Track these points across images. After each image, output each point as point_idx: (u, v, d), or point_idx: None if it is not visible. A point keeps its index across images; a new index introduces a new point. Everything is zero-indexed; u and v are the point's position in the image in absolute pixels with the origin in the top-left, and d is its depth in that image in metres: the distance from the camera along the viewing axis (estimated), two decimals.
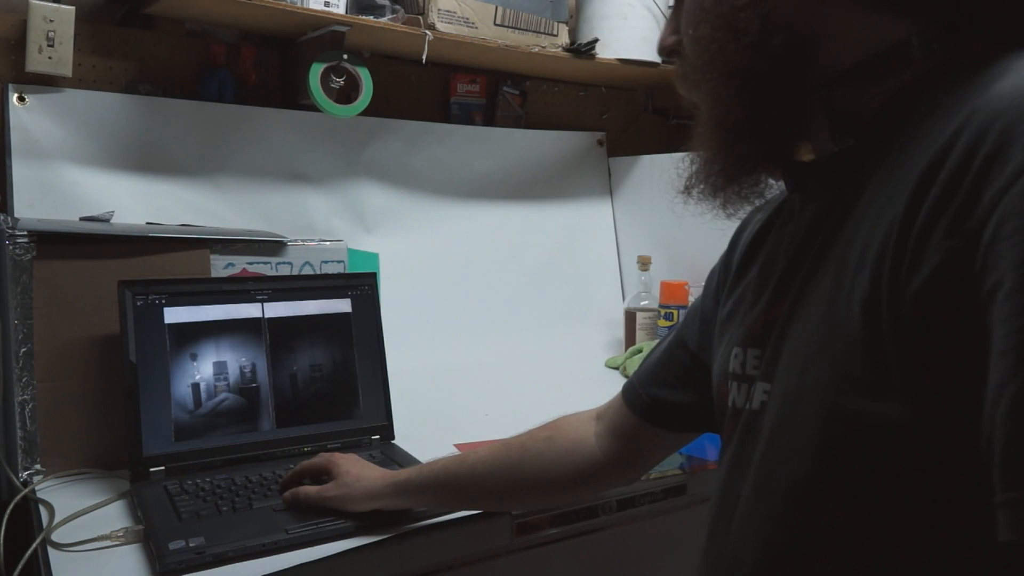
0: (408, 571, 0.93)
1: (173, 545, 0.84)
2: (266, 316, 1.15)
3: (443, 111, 1.83)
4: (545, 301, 1.86)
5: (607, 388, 1.61)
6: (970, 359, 0.45)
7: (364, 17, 1.45)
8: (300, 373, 1.16)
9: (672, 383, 0.83)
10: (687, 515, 1.16)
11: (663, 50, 0.71)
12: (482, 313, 1.78)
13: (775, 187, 0.69)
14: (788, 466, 0.56)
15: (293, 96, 1.59)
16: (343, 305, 1.21)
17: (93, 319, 1.09)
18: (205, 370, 1.09)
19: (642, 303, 1.77)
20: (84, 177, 1.38)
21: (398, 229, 1.71)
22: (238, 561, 0.84)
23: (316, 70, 1.46)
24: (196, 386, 1.08)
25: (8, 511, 0.95)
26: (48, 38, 1.32)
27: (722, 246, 0.81)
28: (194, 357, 1.08)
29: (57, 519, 0.92)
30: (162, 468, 1.03)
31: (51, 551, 0.86)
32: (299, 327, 1.17)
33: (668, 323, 1.69)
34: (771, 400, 0.60)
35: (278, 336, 1.15)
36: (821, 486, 0.54)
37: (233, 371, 1.11)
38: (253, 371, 1.12)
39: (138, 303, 1.06)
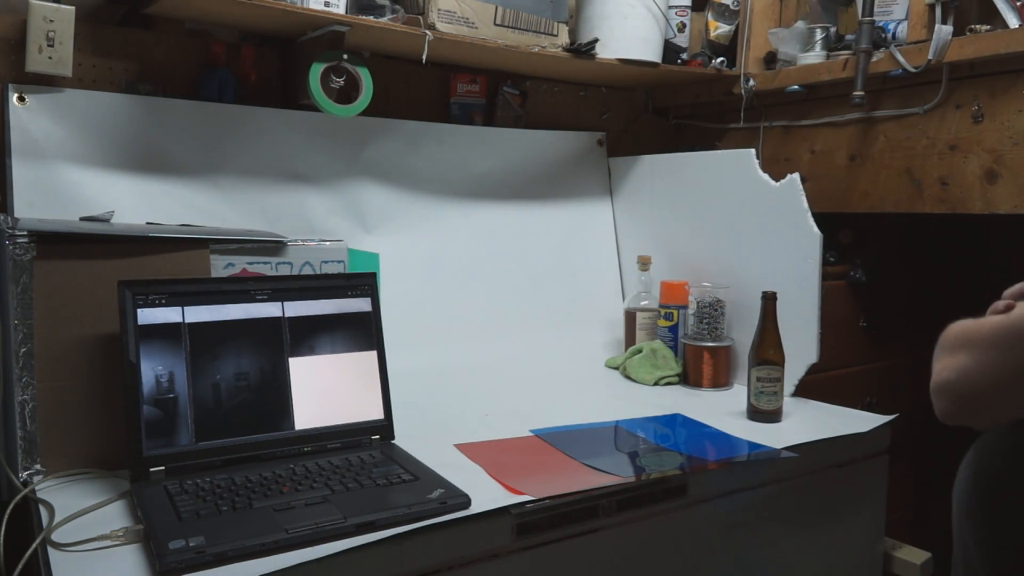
0: (408, 571, 0.93)
1: (173, 545, 0.84)
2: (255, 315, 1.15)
3: (443, 111, 1.83)
4: (545, 301, 1.86)
5: (607, 388, 1.63)
6: None
7: (364, 17, 1.45)
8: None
9: None
10: (687, 515, 1.16)
11: None
12: (482, 313, 1.78)
13: None
14: None
15: (293, 96, 1.59)
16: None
17: (93, 319, 1.09)
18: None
19: (642, 303, 1.77)
20: (84, 177, 1.38)
21: (398, 229, 1.71)
22: (238, 561, 0.84)
23: (316, 70, 1.46)
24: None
25: (8, 511, 0.96)
26: (48, 38, 1.32)
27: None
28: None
29: (57, 519, 0.92)
30: (162, 468, 1.03)
31: (51, 551, 0.86)
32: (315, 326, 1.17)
33: (668, 323, 1.70)
34: None
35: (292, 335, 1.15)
36: None
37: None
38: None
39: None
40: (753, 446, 1.24)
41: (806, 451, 1.24)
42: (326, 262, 1.33)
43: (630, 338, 1.77)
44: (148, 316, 1.06)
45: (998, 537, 0.91)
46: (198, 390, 1.08)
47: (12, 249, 1.04)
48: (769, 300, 1.41)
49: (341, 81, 1.50)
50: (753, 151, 1.61)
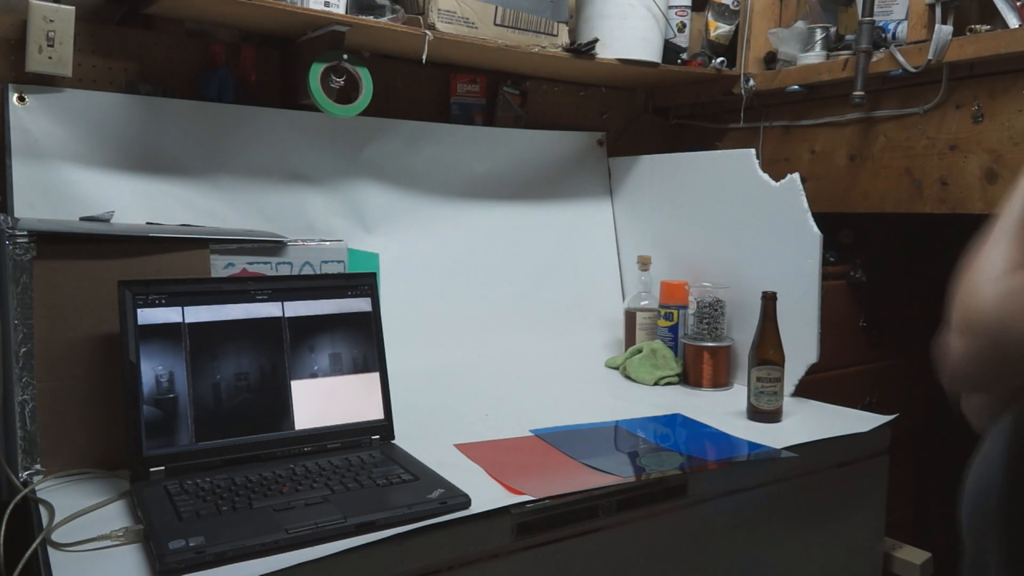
0: (408, 571, 0.93)
1: (173, 545, 0.84)
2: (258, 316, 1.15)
3: (443, 111, 1.83)
4: (545, 301, 1.86)
5: (607, 388, 1.63)
6: None
7: (364, 17, 1.45)
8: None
9: None
10: (687, 515, 1.16)
11: None
12: (482, 313, 1.78)
13: None
14: None
15: (293, 96, 1.59)
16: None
17: (93, 319, 1.09)
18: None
19: (642, 303, 1.77)
20: (84, 177, 1.38)
21: (398, 229, 1.71)
22: (238, 561, 0.84)
23: (316, 70, 1.46)
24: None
25: (8, 511, 0.96)
26: (48, 38, 1.32)
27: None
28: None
29: (57, 519, 0.92)
30: (162, 468, 1.03)
31: (51, 551, 0.86)
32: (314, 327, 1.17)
33: (668, 323, 1.70)
34: None
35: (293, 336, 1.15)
36: None
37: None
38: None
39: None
40: (753, 446, 1.24)
41: (806, 451, 1.24)
42: (326, 262, 1.33)
43: (630, 338, 1.77)
44: (148, 316, 1.06)
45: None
46: (198, 390, 1.08)
47: (12, 249, 1.04)
48: (769, 300, 1.41)
49: (341, 81, 1.50)
50: (753, 151, 1.61)
